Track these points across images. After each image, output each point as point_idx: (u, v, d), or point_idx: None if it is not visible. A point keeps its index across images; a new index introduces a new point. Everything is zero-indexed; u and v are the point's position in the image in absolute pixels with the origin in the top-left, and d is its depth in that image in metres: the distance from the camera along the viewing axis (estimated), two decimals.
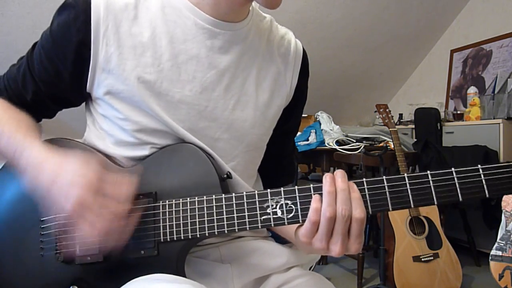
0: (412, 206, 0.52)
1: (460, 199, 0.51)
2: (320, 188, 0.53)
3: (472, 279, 2.25)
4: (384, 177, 0.53)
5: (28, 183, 0.56)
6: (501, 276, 1.49)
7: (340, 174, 0.53)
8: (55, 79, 0.64)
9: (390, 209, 0.52)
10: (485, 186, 0.50)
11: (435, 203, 0.51)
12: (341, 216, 0.51)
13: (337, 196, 0.51)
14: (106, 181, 0.54)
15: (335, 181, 0.52)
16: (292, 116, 0.79)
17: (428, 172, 0.52)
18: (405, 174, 0.53)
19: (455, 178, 0.51)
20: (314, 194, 0.53)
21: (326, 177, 0.53)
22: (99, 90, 0.63)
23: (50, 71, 0.63)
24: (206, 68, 0.65)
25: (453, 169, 0.52)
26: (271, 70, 0.73)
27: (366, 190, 0.53)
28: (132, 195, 0.56)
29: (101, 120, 0.67)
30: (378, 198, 0.53)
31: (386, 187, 0.53)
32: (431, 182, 0.52)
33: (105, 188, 0.53)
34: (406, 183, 0.52)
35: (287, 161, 0.84)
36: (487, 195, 0.50)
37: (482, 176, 0.51)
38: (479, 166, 0.51)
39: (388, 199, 0.52)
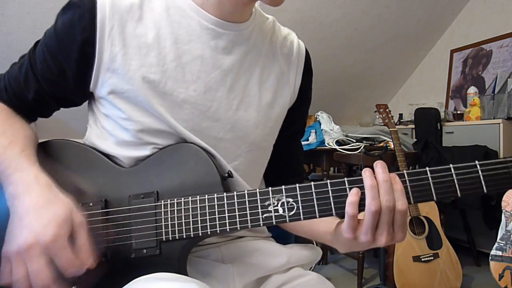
0: (412, 202, 0.52)
1: (459, 194, 0.51)
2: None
3: (472, 279, 2.25)
4: None
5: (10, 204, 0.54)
6: (501, 276, 1.49)
7: (380, 165, 0.53)
8: (58, 77, 0.64)
9: None
10: (482, 182, 0.51)
11: (434, 199, 0.52)
12: (386, 208, 0.51)
13: (379, 188, 0.52)
14: (66, 248, 0.51)
15: (376, 173, 0.53)
16: (297, 116, 0.79)
17: (427, 168, 0.52)
18: (404, 171, 0.53)
19: (454, 174, 0.52)
20: (349, 187, 0.53)
21: (366, 172, 0.53)
22: (102, 90, 0.63)
23: (53, 69, 0.63)
24: (210, 68, 0.65)
25: (451, 165, 0.52)
26: (274, 70, 0.73)
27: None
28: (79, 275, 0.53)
29: (103, 119, 0.67)
30: None
31: None
32: (430, 178, 0.52)
33: (58, 255, 0.51)
34: (405, 180, 0.53)
35: (295, 163, 0.84)
36: (485, 191, 0.51)
37: (480, 172, 0.51)
38: (477, 162, 0.52)
39: None
